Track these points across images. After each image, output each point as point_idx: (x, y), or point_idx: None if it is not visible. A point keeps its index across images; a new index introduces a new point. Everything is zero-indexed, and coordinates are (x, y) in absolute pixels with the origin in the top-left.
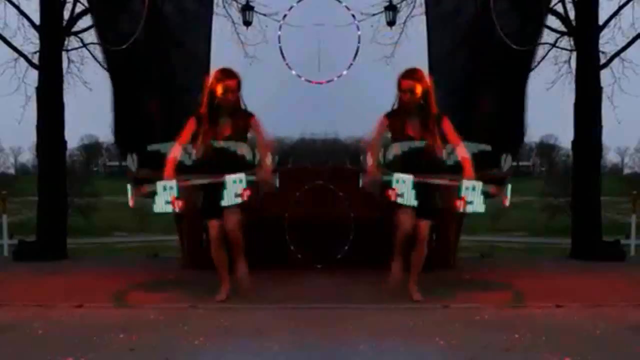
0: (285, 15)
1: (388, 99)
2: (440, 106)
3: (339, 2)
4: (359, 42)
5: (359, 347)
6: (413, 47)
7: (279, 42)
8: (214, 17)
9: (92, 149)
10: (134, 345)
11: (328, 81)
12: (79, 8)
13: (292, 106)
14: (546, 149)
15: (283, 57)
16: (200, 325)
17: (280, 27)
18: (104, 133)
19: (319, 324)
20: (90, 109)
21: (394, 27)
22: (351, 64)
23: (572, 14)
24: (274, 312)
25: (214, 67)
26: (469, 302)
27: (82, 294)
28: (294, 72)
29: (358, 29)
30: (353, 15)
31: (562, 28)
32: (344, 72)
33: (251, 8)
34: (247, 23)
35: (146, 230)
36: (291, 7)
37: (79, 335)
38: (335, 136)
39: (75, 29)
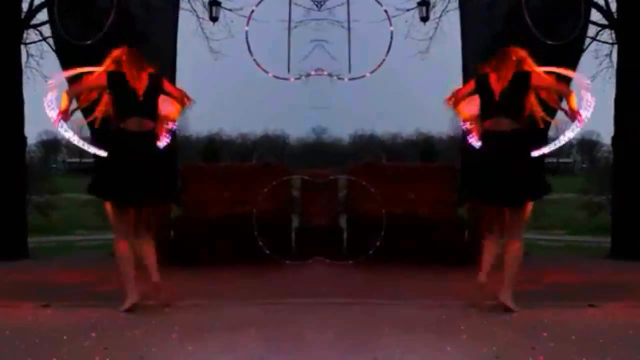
0: (252, 11)
1: (424, 95)
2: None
3: None
4: (391, 38)
5: (381, 340)
6: (448, 42)
7: (247, 38)
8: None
9: (51, 145)
10: (106, 344)
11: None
12: (38, 0)
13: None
14: (587, 145)
15: (250, 52)
16: (173, 322)
17: (247, 22)
18: (48, 127)
19: (325, 318)
20: None
21: (428, 23)
22: (384, 60)
23: (613, 7)
24: (247, 308)
25: (179, 62)
26: (494, 300)
27: (48, 293)
28: (261, 68)
29: (390, 24)
30: (386, 11)
31: (604, 21)
32: (377, 68)
33: (218, 4)
34: (214, 19)
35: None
36: (259, 2)
37: (48, 335)
38: (372, 132)
39: (34, 21)
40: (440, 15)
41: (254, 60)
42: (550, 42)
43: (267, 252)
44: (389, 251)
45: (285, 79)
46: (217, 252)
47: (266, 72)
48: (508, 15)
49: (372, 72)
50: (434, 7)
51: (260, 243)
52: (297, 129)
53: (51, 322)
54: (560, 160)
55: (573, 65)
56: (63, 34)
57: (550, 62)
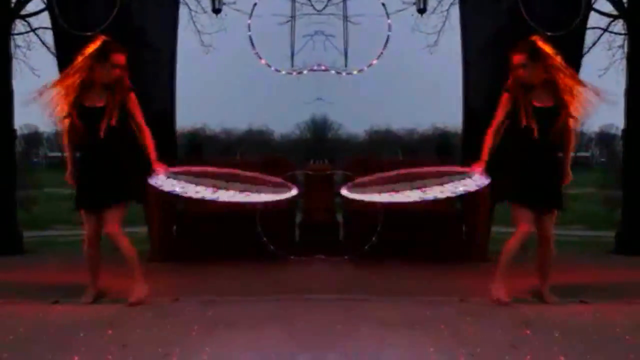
0: (255, 4)
1: (438, 89)
2: (481, 101)
3: None
4: (389, 31)
5: (361, 339)
6: (458, 34)
7: (249, 31)
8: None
9: (31, 138)
10: (124, 340)
11: (322, 70)
12: None
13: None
14: (605, 139)
15: (253, 45)
16: (189, 318)
17: (250, 16)
18: (44, 122)
19: (320, 316)
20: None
21: (437, 16)
22: (381, 53)
23: None
24: (257, 304)
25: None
26: (486, 296)
27: (53, 290)
28: (263, 62)
29: (388, 17)
30: (383, 4)
31: (615, 12)
32: (374, 62)
33: None
34: (217, 11)
35: None
36: None
37: (64, 332)
38: (387, 127)
39: (24, 12)
40: (449, 8)
41: (256, 53)
42: (550, 34)
43: (272, 247)
44: (385, 246)
45: (290, 73)
46: (220, 248)
47: (269, 65)
48: (510, 8)
49: (368, 66)
50: None
51: (265, 239)
52: (281, 125)
53: (64, 318)
54: (578, 154)
55: (577, 56)
56: (62, 23)
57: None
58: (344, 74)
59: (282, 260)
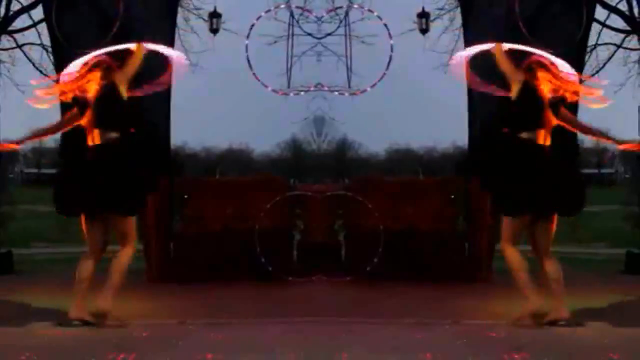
0: (252, 25)
1: (456, 106)
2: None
3: (371, 12)
4: (391, 51)
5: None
6: None
7: (247, 52)
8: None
9: (7, 154)
10: None
11: (302, 92)
12: (15, 5)
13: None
14: (630, 154)
15: (250, 66)
16: (197, 340)
17: (248, 36)
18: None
19: (320, 338)
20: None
21: (449, 35)
22: (384, 74)
23: (637, 11)
24: (265, 326)
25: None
26: (480, 319)
27: (51, 312)
28: (260, 82)
29: (390, 37)
30: (385, 25)
31: (629, 27)
32: (377, 82)
33: (219, 15)
34: (214, 31)
35: (68, 240)
36: (259, 17)
37: (71, 355)
38: (407, 146)
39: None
40: (460, 27)
41: (254, 74)
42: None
43: (270, 269)
44: (387, 266)
45: (286, 93)
46: (218, 268)
47: (265, 86)
48: (512, 29)
49: (372, 86)
50: (434, 19)
51: (263, 260)
52: (262, 144)
53: (70, 341)
54: (602, 170)
55: (579, 69)
56: (63, 42)
57: None
58: (346, 94)
59: (281, 280)
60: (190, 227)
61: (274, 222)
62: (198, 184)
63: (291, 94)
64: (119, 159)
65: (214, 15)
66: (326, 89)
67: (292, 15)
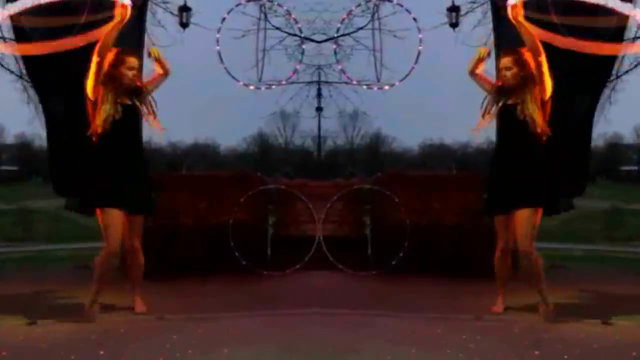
0: (224, 19)
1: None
2: None
3: (400, 5)
4: (420, 45)
5: (362, 354)
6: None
7: (217, 45)
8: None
9: None
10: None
11: (290, 82)
12: None
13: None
14: None
15: (221, 60)
16: (180, 335)
17: (219, 30)
18: None
19: (323, 330)
20: None
21: (482, 29)
22: (412, 68)
23: None
24: (246, 320)
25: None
26: (503, 315)
27: (27, 310)
28: (231, 76)
29: (419, 31)
30: (414, 19)
31: None
32: (405, 76)
33: (188, 9)
34: (184, 25)
35: (29, 238)
36: (230, 11)
37: (49, 352)
38: (441, 141)
39: None
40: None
41: (225, 68)
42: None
43: (244, 262)
44: (410, 261)
45: (258, 88)
46: (191, 263)
47: (236, 80)
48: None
49: (401, 80)
50: (466, 13)
51: (237, 254)
52: (228, 139)
53: (47, 339)
54: (630, 168)
55: (607, 68)
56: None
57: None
58: (375, 88)
59: (255, 274)
60: (161, 222)
61: (248, 216)
62: (172, 178)
63: (262, 88)
64: None
65: (184, 9)
66: (355, 82)
67: (262, 9)
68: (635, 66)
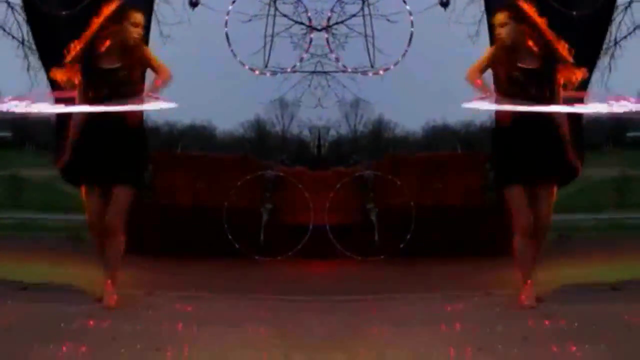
0: (234, 0)
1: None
2: None
3: None
4: (412, 27)
5: (368, 337)
6: None
7: (226, 27)
8: None
9: None
10: (113, 333)
11: (278, 72)
12: None
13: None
14: None
15: (229, 42)
16: (166, 311)
17: (228, 13)
18: None
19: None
20: None
21: (476, 5)
22: (406, 51)
23: None
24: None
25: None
26: (512, 290)
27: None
28: (238, 59)
29: (410, 14)
30: (404, 1)
31: None
32: (399, 59)
33: None
34: (194, 4)
35: (19, 206)
36: None
37: (41, 327)
38: (444, 122)
39: None
40: None
41: (231, 50)
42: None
43: (237, 246)
44: (417, 243)
45: (263, 73)
46: (184, 243)
47: (242, 64)
48: None
49: (395, 64)
50: None
51: (230, 237)
52: (226, 122)
53: (40, 313)
54: (632, 134)
55: (600, 37)
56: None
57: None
58: (370, 74)
59: (249, 259)
60: (161, 199)
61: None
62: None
63: (267, 74)
64: None
65: None
66: (349, 70)
67: None
68: (634, 30)
